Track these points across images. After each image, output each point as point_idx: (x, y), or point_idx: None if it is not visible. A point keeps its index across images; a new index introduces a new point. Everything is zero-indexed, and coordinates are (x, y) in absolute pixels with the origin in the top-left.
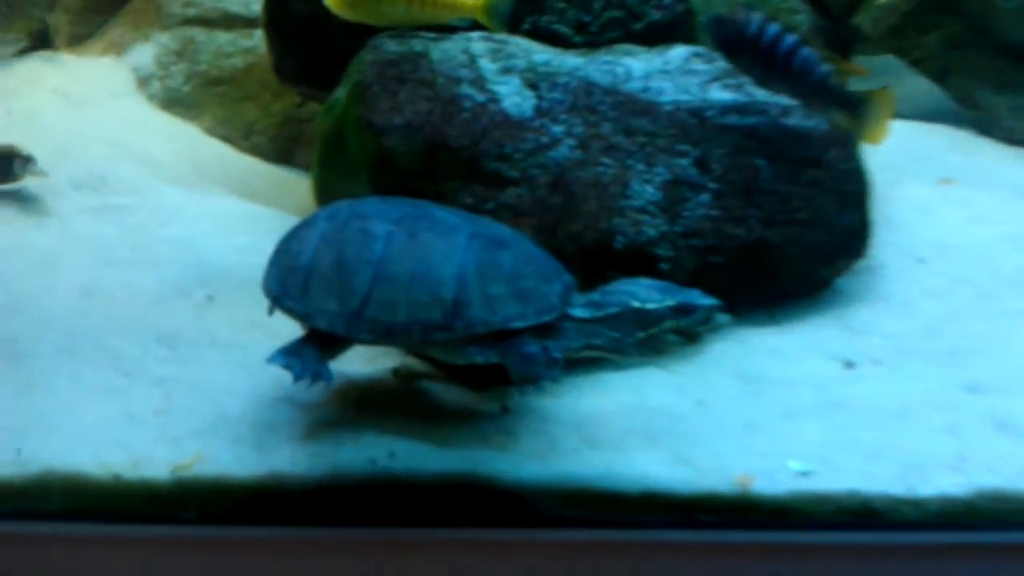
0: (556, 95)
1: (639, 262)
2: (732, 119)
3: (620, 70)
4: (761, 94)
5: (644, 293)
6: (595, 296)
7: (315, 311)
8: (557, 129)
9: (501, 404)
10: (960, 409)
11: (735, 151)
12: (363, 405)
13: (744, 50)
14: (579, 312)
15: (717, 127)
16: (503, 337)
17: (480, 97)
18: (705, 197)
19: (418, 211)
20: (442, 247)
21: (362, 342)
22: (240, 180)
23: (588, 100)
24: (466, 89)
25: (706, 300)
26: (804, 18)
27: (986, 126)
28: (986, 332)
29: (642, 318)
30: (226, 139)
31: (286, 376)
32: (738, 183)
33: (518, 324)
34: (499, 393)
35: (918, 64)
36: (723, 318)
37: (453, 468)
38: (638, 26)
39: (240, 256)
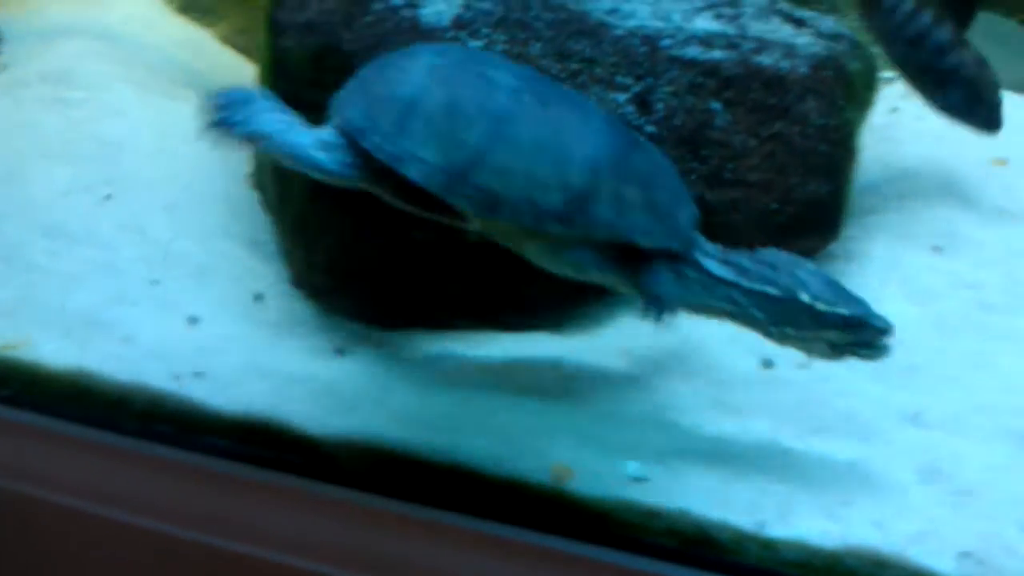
0: (486, 5)
1: None
2: (691, 51)
3: None
4: (756, 28)
5: (814, 284)
6: (740, 258)
7: (409, 156)
8: (474, 44)
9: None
10: (882, 440)
11: (687, 90)
12: None
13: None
14: (712, 266)
15: (670, 59)
16: (623, 253)
17: (398, 1)
18: None
19: (546, 79)
20: (576, 124)
21: (438, 204)
22: None
23: (523, 14)
24: None
25: (877, 320)
26: None
27: None
28: (968, 353)
29: (804, 315)
30: (244, 50)
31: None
32: (683, 129)
33: (645, 241)
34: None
35: None
36: (887, 345)
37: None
38: None
39: (159, 160)
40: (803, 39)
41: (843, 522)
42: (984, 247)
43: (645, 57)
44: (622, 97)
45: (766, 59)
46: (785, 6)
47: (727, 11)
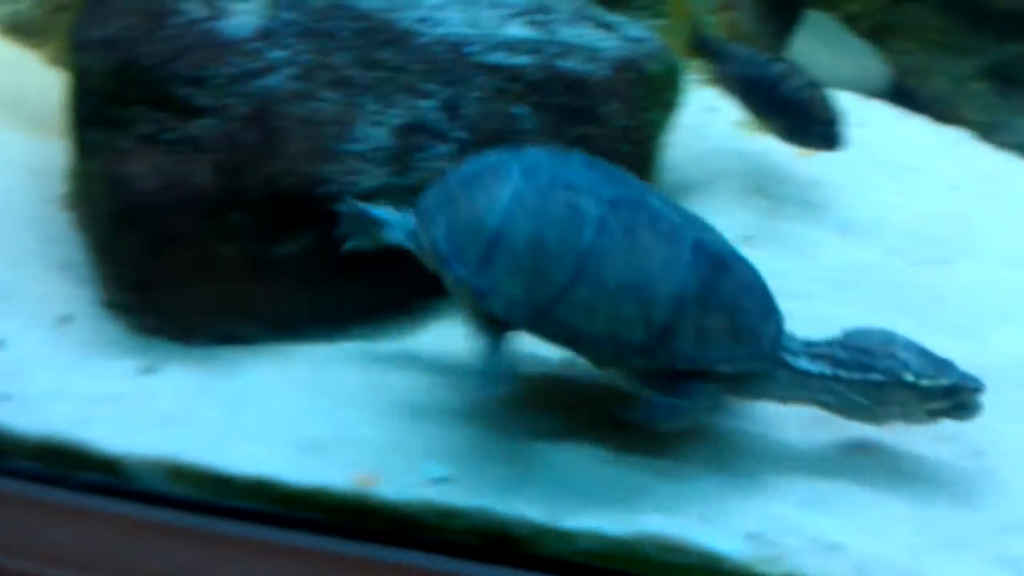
0: (291, 16)
1: None
2: (497, 57)
3: None
4: (566, 33)
5: (912, 360)
6: (831, 348)
7: (494, 290)
8: (278, 55)
9: None
10: None
11: (494, 95)
12: None
13: None
14: (804, 364)
15: (476, 65)
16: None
17: (200, 13)
18: (447, 147)
19: (634, 193)
20: (664, 255)
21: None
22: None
23: (328, 24)
24: (189, 3)
25: (971, 381)
26: None
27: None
28: None
29: (909, 393)
30: None
31: None
32: (491, 134)
33: (726, 369)
34: None
35: (851, 20)
36: (981, 403)
37: None
38: None
39: None
40: (608, 43)
41: (635, 510)
42: (789, 237)
43: (452, 63)
44: (430, 103)
45: (570, 63)
46: (595, 12)
47: (538, 17)
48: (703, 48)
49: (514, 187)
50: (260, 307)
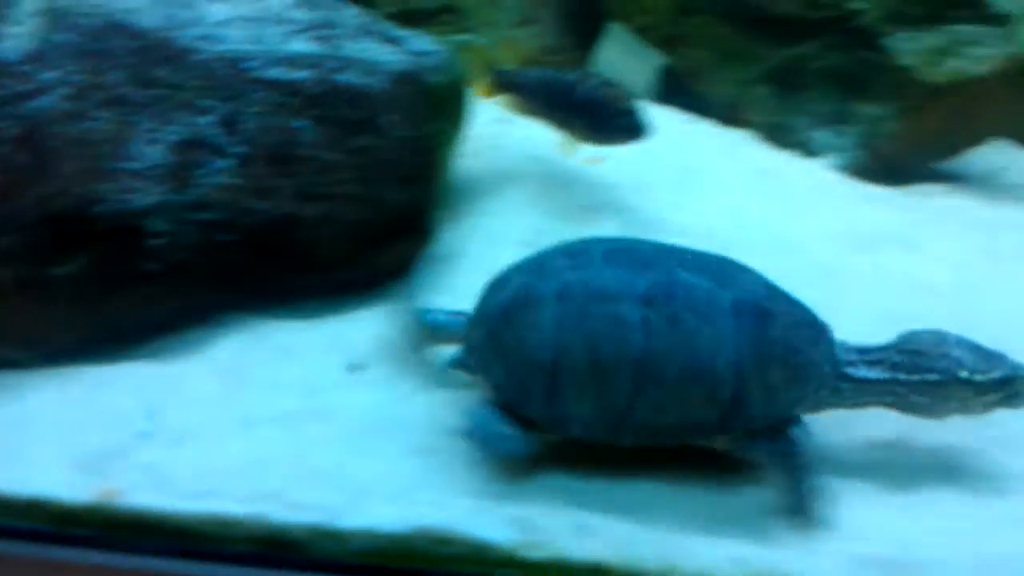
0: (65, 37)
1: (122, 235)
2: (275, 72)
3: (187, 14)
4: (349, 48)
5: (966, 357)
6: (886, 353)
7: (567, 418)
8: (49, 76)
9: None
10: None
11: (273, 109)
12: None
13: None
14: (863, 372)
15: (255, 81)
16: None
17: None
18: (226, 163)
19: (663, 274)
20: (710, 334)
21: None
22: None
23: (103, 43)
24: None
25: (1021, 369)
26: None
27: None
28: None
29: (967, 389)
30: None
31: None
32: (271, 147)
33: (799, 411)
34: None
35: (645, 32)
36: None
37: None
38: None
39: None
40: (391, 57)
41: (409, 506)
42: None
43: (230, 79)
44: (208, 120)
45: (349, 76)
46: (382, 27)
47: (323, 33)
48: (504, 85)
49: (553, 315)
50: (36, 331)
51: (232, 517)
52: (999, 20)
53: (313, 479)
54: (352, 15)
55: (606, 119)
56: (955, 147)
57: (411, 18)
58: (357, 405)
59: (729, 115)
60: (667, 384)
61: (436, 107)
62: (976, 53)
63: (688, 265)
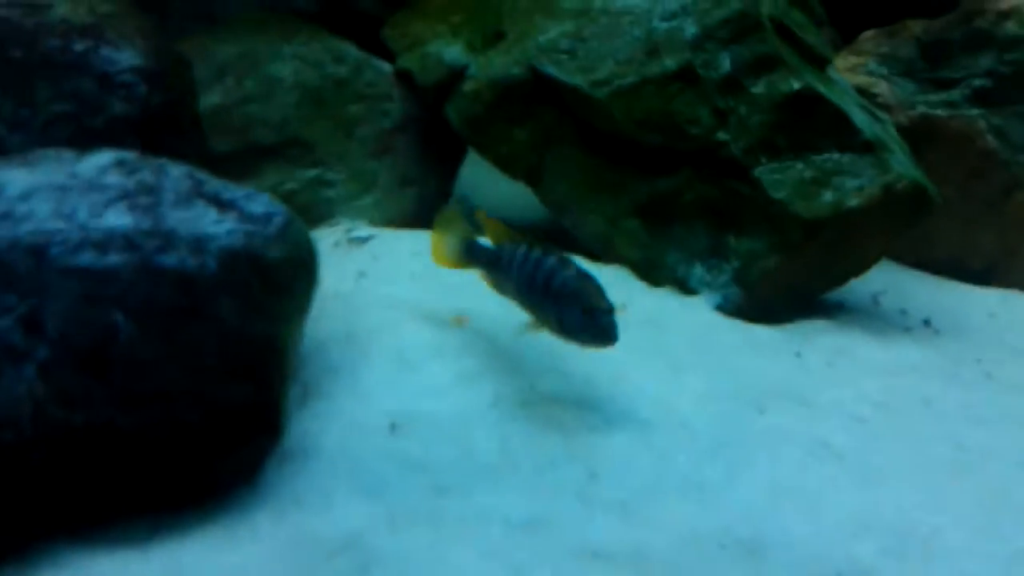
0: None
1: None
2: (85, 258)
3: None
4: (173, 218)
5: None
6: None
7: None
8: None
9: None
10: None
11: (85, 303)
12: None
13: None
14: None
15: (62, 271)
16: None
17: None
18: (29, 369)
19: None
20: None
21: None
22: None
23: None
24: None
25: None
26: (396, 106)
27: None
28: (421, 549)
29: None
30: None
31: None
32: (83, 348)
33: None
34: None
35: (507, 164)
36: None
37: None
38: (96, 122)
39: None
40: (222, 227)
41: None
42: (439, 420)
43: (31, 271)
44: (6, 321)
45: (172, 258)
46: (213, 187)
47: (143, 200)
48: (473, 257)
49: None
50: None
51: None
52: (867, 148)
53: None
54: (177, 176)
55: (579, 316)
56: (836, 279)
57: (252, 156)
58: None
59: (601, 251)
60: None
61: (278, 285)
62: (850, 184)
63: None
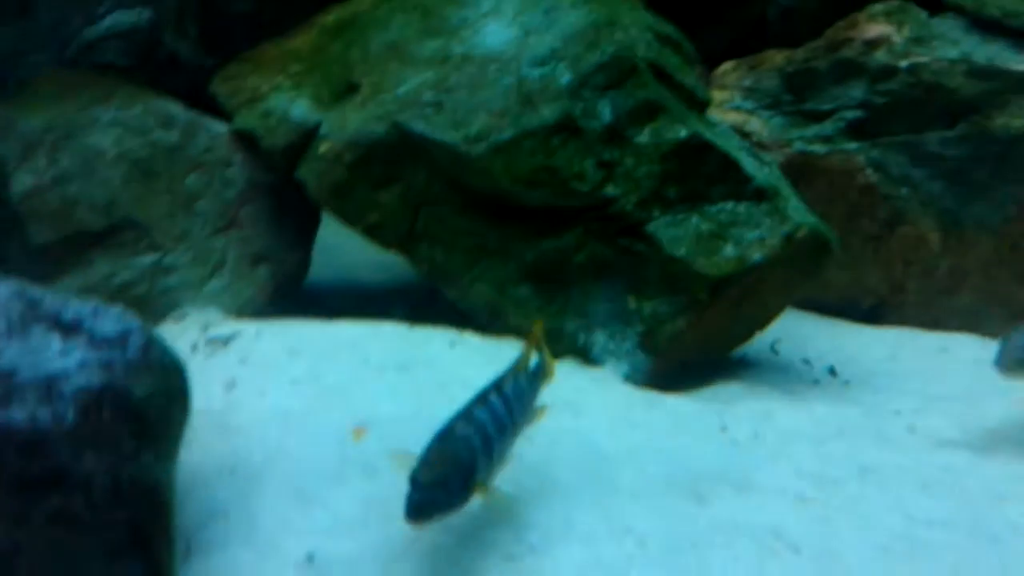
0: None
1: None
2: None
3: None
4: (9, 356)
5: None
6: None
7: None
8: None
9: None
10: None
11: None
12: None
13: None
14: None
15: None
16: None
17: None
18: None
19: None
20: None
21: None
22: None
23: None
24: None
25: None
26: (239, 173)
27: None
28: None
29: None
30: None
31: None
32: None
33: None
34: None
35: (376, 233)
36: None
37: None
38: None
39: None
40: (71, 359)
41: None
42: (358, 565)
43: None
44: None
45: (17, 413)
46: (51, 305)
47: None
48: None
49: None
50: None
51: None
52: (761, 195)
53: None
54: (4, 297)
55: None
56: (742, 336)
57: (77, 245)
58: None
59: (491, 323)
60: None
61: (151, 425)
62: (750, 236)
63: None
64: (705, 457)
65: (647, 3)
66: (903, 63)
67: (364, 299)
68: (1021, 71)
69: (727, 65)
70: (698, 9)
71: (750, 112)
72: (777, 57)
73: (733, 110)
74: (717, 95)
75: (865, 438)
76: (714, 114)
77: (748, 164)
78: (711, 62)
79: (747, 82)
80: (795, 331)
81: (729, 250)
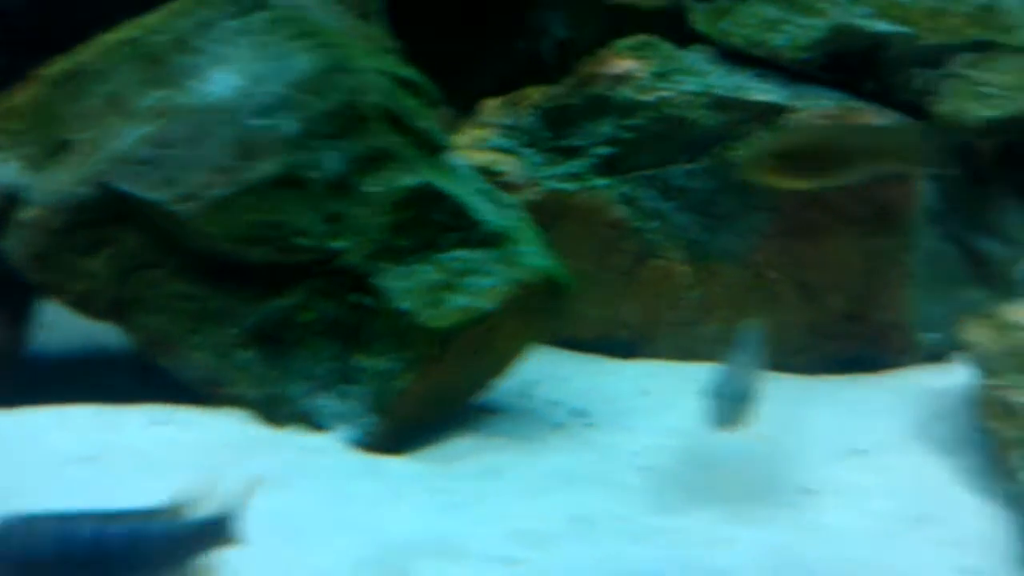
0: None
1: None
2: None
3: None
4: None
5: None
6: None
7: None
8: None
9: None
10: None
11: None
12: None
13: None
14: None
15: None
16: None
17: None
18: None
19: None
20: None
21: None
22: None
23: None
24: None
25: None
26: None
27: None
28: None
29: None
30: None
31: None
32: None
33: None
34: None
35: (84, 304)
36: None
37: None
38: None
39: None
40: None
41: None
42: None
43: None
44: None
45: None
46: None
47: None
48: None
49: None
50: None
51: None
52: (493, 241)
53: None
54: None
55: None
56: (478, 384)
57: None
58: None
59: (211, 393)
60: None
61: None
62: (481, 284)
63: None
64: (420, 527)
65: (406, 41)
66: (648, 97)
67: (97, 368)
68: (761, 101)
69: (492, 103)
70: (463, 45)
71: (507, 151)
72: (535, 94)
73: (490, 149)
74: (477, 133)
75: (590, 487)
76: (468, 153)
77: (484, 209)
78: (487, 99)
79: (507, 120)
80: (555, 371)
81: (459, 300)
